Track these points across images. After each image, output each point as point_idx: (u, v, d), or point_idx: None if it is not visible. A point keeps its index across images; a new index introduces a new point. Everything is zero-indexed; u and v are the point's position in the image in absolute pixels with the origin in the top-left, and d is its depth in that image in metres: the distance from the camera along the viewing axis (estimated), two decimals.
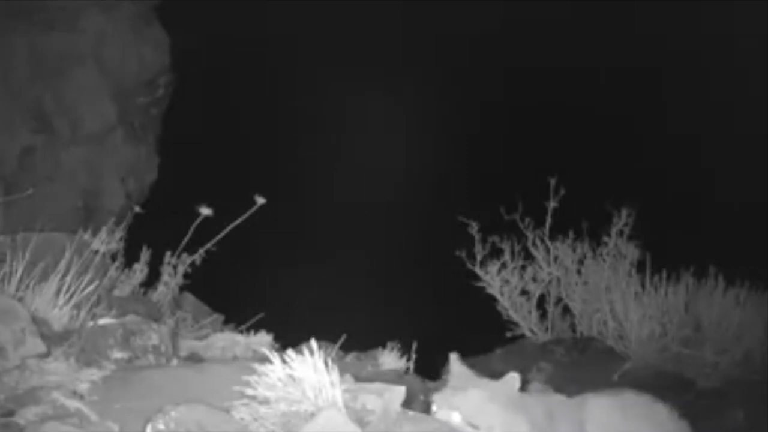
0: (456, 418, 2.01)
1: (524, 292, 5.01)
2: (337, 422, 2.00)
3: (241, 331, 3.82)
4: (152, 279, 4.48)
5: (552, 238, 5.00)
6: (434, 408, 2.05)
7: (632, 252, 4.75)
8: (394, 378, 3.29)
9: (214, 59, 8.02)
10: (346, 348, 3.76)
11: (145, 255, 4.46)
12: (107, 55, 6.65)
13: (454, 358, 2.11)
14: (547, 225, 5.00)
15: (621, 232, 4.84)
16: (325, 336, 3.45)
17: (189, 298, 4.61)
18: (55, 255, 3.29)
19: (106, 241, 4.14)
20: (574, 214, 4.99)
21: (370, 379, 2.61)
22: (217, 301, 4.69)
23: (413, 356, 3.86)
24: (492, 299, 5.01)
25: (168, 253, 4.45)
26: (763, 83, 6.92)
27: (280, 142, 8.59)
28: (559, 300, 4.95)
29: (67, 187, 6.37)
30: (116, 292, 4.06)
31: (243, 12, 8.29)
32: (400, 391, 2.27)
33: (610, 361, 4.22)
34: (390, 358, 3.84)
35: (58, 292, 3.15)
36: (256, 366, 2.19)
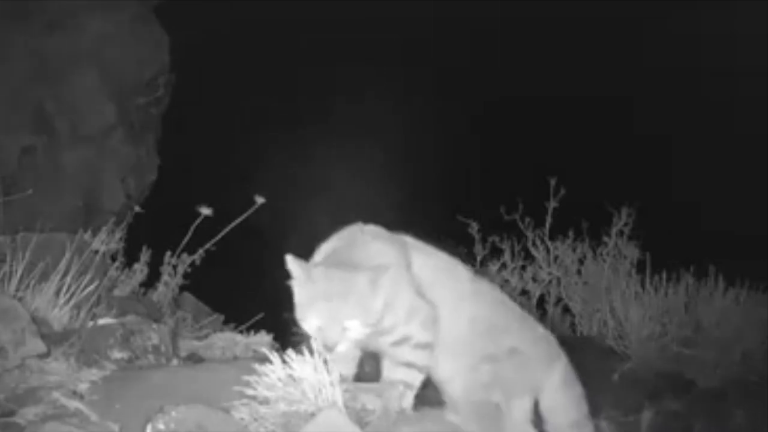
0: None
1: (524, 292, 5.01)
2: (337, 422, 2.00)
3: (241, 331, 3.82)
4: (152, 279, 4.48)
5: (552, 238, 5.00)
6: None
7: (632, 252, 4.76)
8: None
9: (214, 59, 8.02)
10: None
11: (145, 255, 4.47)
12: (107, 55, 6.64)
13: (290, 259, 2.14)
14: (547, 225, 5.00)
15: (621, 232, 4.84)
16: None
17: (189, 298, 4.61)
18: (55, 255, 3.30)
19: (106, 241, 4.15)
20: (574, 214, 4.99)
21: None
22: (217, 301, 4.69)
23: None
24: None
25: (168, 253, 4.46)
26: (763, 83, 6.92)
27: (280, 141, 8.59)
28: (559, 300, 4.95)
29: (67, 187, 6.36)
30: (116, 292, 4.06)
31: (243, 11, 8.29)
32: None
33: (610, 361, 4.22)
34: None
35: (58, 292, 3.16)
36: (256, 366, 2.19)
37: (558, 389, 2.44)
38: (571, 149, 8.14)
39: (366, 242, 2.30)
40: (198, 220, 4.10)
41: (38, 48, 6.37)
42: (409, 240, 2.41)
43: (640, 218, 4.85)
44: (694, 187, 7.66)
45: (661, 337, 4.24)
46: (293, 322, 2.20)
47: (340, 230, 2.37)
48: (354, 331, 2.09)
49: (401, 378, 2.27)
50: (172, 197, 6.35)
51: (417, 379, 2.28)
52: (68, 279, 3.19)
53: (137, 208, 5.26)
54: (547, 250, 4.98)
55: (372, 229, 2.38)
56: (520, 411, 2.39)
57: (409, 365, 2.27)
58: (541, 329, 2.54)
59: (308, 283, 2.11)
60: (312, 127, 8.88)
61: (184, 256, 4.44)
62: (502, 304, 2.48)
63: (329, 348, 2.08)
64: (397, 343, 2.23)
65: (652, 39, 8.38)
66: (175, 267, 4.47)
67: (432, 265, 2.37)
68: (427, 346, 2.27)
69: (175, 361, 2.88)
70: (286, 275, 2.17)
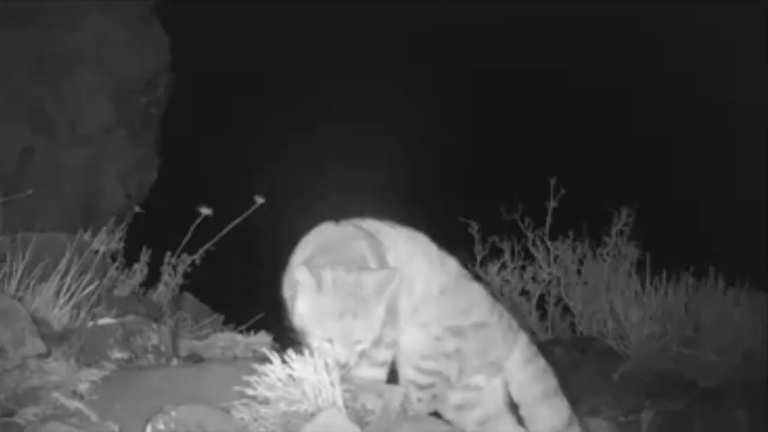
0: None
1: (524, 292, 5.01)
2: (337, 422, 2.00)
3: (241, 331, 3.82)
4: (152, 279, 4.48)
5: (552, 238, 5.00)
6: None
7: (632, 252, 4.76)
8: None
9: (214, 59, 8.02)
10: None
11: (145, 255, 4.47)
12: (107, 55, 6.64)
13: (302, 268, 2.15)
14: (547, 225, 5.00)
15: (621, 232, 4.85)
16: None
17: (189, 298, 4.61)
18: (55, 255, 3.29)
19: (106, 241, 4.14)
20: (574, 214, 4.99)
21: None
22: (217, 301, 4.69)
23: None
24: None
25: (168, 253, 4.45)
26: (763, 83, 6.92)
27: (279, 141, 8.59)
28: (559, 300, 4.95)
29: (67, 187, 6.36)
30: (116, 292, 4.06)
31: (242, 11, 8.29)
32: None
33: (610, 361, 4.22)
34: None
35: (58, 292, 3.16)
36: (256, 366, 2.19)
37: (520, 366, 2.50)
38: (571, 149, 8.14)
39: (351, 240, 2.34)
40: (198, 220, 4.10)
41: (38, 48, 6.36)
42: (374, 225, 2.47)
43: (640, 218, 4.85)
44: (694, 187, 7.66)
45: (661, 337, 4.24)
46: (292, 330, 2.22)
47: (316, 227, 2.43)
48: (363, 345, 2.16)
49: (377, 377, 2.32)
50: (172, 197, 6.34)
51: (385, 375, 2.35)
52: (68, 279, 3.19)
53: (137, 208, 5.26)
54: (547, 250, 4.98)
55: (348, 225, 2.43)
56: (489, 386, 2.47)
57: (382, 364, 2.33)
58: (501, 308, 2.57)
59: (318, 294, 2.12)
60: (312, 127, 8.88)
61: (184, 256, 4.44)
62: (469, 279, 2.55)
63: (341, 365, 2.12)
64: (375, 343, 2.25)
65: (652, 39, 8.37)
66: (175, 267, 4.47)
67: (408, 245, 2.44)
68: (394, 344, 2.34)
69: (175, 361, 2.87)
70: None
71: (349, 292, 2.12)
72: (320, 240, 2.36)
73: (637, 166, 8.01)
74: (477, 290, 2.53)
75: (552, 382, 2.52)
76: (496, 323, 2.48)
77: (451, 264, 2.50)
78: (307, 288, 2.13)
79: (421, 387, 2.37)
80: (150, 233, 4.73)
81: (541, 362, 2.53)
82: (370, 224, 2.47)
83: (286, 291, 2.31)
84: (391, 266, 2.31)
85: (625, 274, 4.65)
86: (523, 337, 2.54)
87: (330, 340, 2.12)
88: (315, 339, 2.15)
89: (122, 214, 5.49)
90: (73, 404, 2.23)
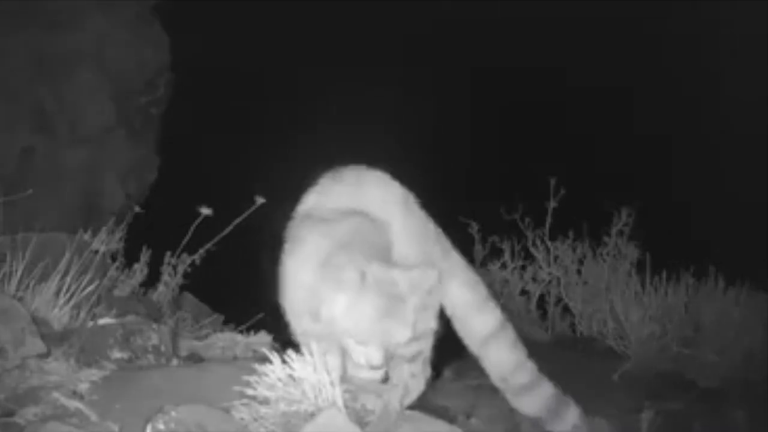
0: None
1: (524, 292, 5.01)
2: (337, 422, 2.00)
3: (241, 331, 3.82)
4: (152, 279, 4.48)
5: (552, 238, 5.00)
6: None
7: (632, 252, 4.75)
8: None
9: (214, 59, 8.02)
10: None
11: (145, 255, 4.47)
12: (107, 55, 6.64)
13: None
14: (547, 225, 5.00)
15: (621, 232, 4.84)
16: None
17: (189, 298, 4.61)
18: (55, 255, 3.30)
19: (106, 241, 4.14)
20: (574, 214, 4.99)
21: None
22: (217, 301, 4.69)
23: None
24: None
25: (168, 253, 4.46)
26: (764, 83, 6.92)
27: (280, 141, 8.59)
28: (559, 300, 4.95)
29: (67, 187, 6.36)
30: (116, 292, 4.06)
31: (242, 11, 8.29)
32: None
33: (610, 361, 4.21)
34: None
35: (58, 292, 3.16)
36: (256, 366, 2.19)
37: (451, 285, 2.47)
38: (571, 149, 8.14)
39: (359, 225, 2.33)
40: (198, 220, 4.10)
41: (38, 48, 6.36)
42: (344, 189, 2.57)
43: (640, 218, 4.85)
44: (695, 187, 7.66)
45: (661, 337, 4.23)
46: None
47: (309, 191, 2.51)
48: (398, 344, 2.10)
49: (372, 376, 2.24)
50: (172, 197, 6.34)
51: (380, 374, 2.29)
52: (68, 279, 3.20)
53: (137, 208, 5.26)
54: (547, 250, 4.97)
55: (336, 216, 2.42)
56: None
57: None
58: (432, 226, 2.62)
59: (359, 294, 2.03)
60: (312, 127, 8.88)
61: (184, 256, 4.44)
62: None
63: (374, 366, 2.07)
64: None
65: (652, 39, 8.37)
66: (175, 267, 4.48)
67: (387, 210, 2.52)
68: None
69: (175, 361, 2.88)
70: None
71: (387, 291, 2.03)
72: (331, 235, 2.25)
73: (637, 166, 8.00)
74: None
75: (482, 291, 2.53)
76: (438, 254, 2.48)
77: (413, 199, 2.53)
78: (349, 288, 2.02)
79: (412, 358, 2.30)
80: (150, 233, 4.73)
81: (470, 275, 2.54)
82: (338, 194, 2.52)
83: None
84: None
85: (625, 274, 4.64)
86: (454, 257, 2.55)
87: (364, 342, 2.04)
88: (350, 341, 2.07)
89: (122, 214, 5.49)
90: (73, 404, 2.24)
